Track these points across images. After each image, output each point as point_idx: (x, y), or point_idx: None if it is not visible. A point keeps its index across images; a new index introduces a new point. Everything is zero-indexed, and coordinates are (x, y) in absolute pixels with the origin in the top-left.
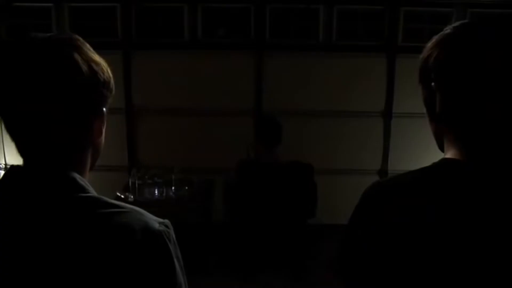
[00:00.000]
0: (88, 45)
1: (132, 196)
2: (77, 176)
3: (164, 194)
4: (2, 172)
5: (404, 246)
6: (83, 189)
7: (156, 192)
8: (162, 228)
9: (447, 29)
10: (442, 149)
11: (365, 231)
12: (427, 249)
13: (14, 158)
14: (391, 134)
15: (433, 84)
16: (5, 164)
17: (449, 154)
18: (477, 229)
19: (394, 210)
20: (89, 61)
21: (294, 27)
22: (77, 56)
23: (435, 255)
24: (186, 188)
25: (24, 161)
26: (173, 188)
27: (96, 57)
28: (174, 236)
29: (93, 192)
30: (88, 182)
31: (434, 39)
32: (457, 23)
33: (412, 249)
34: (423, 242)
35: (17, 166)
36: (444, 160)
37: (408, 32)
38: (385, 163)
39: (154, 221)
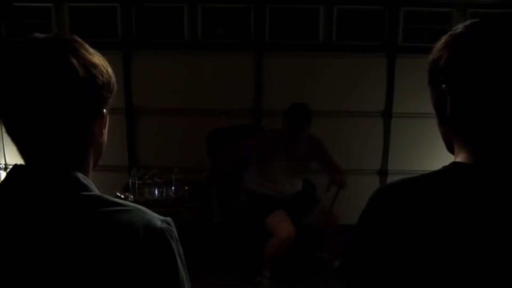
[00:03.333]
0: (86, 46)
1: (132, 196)
2: (79, 175)
3: (164, 194)
4: (2, 172)
5: (413, 251)
6: (86, 188)
7: (156, 192)
8: (164, 225)
9: (458, 28)
10: (451, 151)
11: (373, 236)
12: (436, 254)
13: (14, 158)
14: (391, 134)
15: (443, 86)
16: (5, 164)
17: (460, 157)
18: (488, 234)
19: (403, 214)
20: (86, 64)
21: (294, 27)
22: (73, 60)
23: (444, 261)
24: (186, 188)
25: (26, 162)
26: (173, 188)
27: (95, 59)
28: (176, 233)
29: (96, 191)
30: (91, 181)
31: (444, 39)
32: (467, 22)
33: (421, 254)
34: (432, 247)
35: (20, 165)
36: (454, 163)
37: (408, 32)
38: (385, 163)
39: (157, 219)
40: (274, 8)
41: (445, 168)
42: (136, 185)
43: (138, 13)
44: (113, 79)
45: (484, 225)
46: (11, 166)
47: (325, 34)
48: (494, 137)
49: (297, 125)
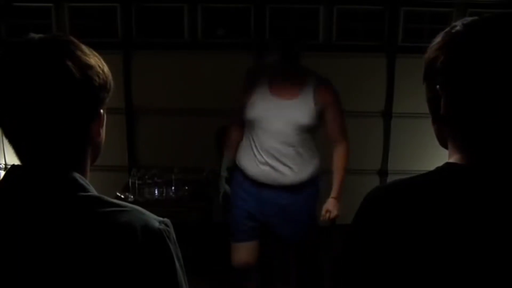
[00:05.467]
0: (82, 47)
1: (132, 196)
2: (77, 175)
3: (164, 194)
4: (2, 172)
5: (407, 252)
6: (83, 188)
7: (156, 192)
8: (162, 227)
9: (456, 26)
10: (444, 146)
11: (367, 237)
12: (430, 255)
13: (14, 158)
14: (391, 134)
15: (438, 86)
16: (5, 164)
17: (453, 158)
18: (481, 235)
19: (397, 215)
20: (82, 67)
21: (294, 27)
22: (69, 63)
23: (438, 262)
24: (186, 188)
25: (23, 163)
26: (173, 188)
27: (91, 60)
28: (174, 235)
29: (93, 191)
30: (88, 182)
31: (441, 37)
32: (466, 21)
33: (416, 255)
34: (426, 248)
35: (18, 166)
36: (448, 164)
37: (408, 32)
38: (385, 163)
39: (155, 220)
40: (274, 8)
41: (439, 169)
42: (136, 185)
43: (138, 13)
44: (110, 78)
45: (478, 226)
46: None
47: (325, 34)
48: (489, 139)
49: (273, 54)
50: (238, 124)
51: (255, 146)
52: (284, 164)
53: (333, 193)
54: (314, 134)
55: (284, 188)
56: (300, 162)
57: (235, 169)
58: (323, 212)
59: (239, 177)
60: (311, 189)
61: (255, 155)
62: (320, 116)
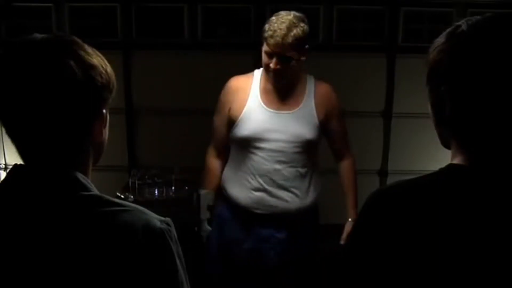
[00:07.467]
0: (85, 47)
1: (132, 196)
2: (79, 175)
3: (164, 194)
4: (2, 172)
5: (411, 254)
6: (85, 188)
7: (156, 192)
8: (163, 226)
9: (460, 26)
10: (446, 147)
11: (371, 239)
12: (434, 257)
13: (14, 158)
14: (391, 134)
15: (443, 89)
16: (5, 164)
17: (457, 160)
18: (485, 237)
19: (400, 217)
20: (85, 66)
21: None
22: (72, 63)
23: (442, 263)
24: (186, 188)
25: (26, 162)
26: (173, 188)
27: (94, 60)
28: (175, 234)
29: (95, 191)
30: (90, 181)
31: (445, 38)
32: (469, 20)
33: (419, 257)
34: (430, 250)
35: (20, 165)
36: (451, 165)
37: (408, 32)
38: (385, 163)
39: (156, 219)
40: (274, 8)
41: (442, 170)
42: (136, 185)
43: (138, 13)
44: (113, 78)
45: (482, 228)
46: (11, 166)
47: (325, 34)
48: (494, 141)
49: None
50: (218, 150)
51: (248, 169)
52: (284, 189)
53: (352, 215)
54: (316, 151)
55: (283, 218)
56: (303, 186)
57: (221, 206)
58: (344, 235)
59: (226, 213)
60: (311, 218)
61: (248, 181)
62: (323, 127)
